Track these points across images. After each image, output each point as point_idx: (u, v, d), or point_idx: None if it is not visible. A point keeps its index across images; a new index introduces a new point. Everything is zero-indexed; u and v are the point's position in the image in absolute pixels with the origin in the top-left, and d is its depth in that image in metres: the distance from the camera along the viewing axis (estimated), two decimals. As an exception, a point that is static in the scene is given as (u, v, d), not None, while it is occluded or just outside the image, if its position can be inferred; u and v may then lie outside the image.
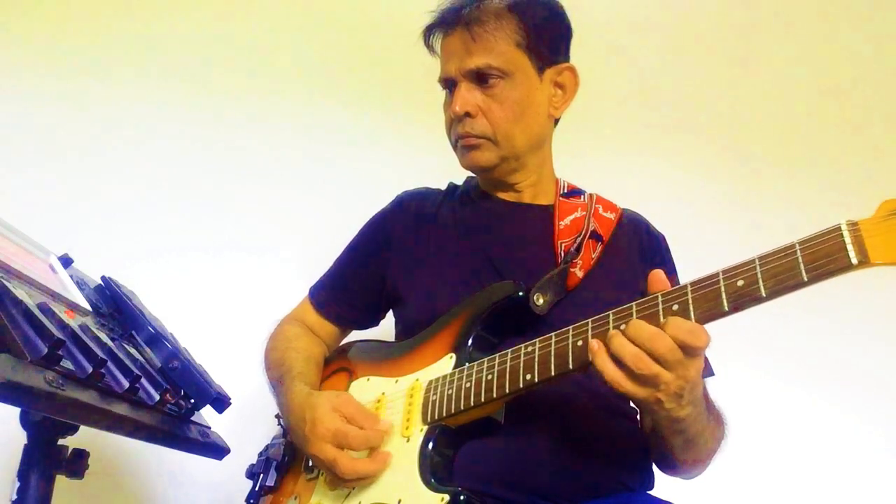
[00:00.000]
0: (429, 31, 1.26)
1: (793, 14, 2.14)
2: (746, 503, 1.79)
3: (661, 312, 0.85)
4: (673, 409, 0.88)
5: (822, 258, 0.75)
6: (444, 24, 1.23)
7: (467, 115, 1.19)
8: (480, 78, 1.19)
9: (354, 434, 1.03)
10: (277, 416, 1.24)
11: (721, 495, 1.63)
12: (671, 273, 1.24)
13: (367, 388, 1.17)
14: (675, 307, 0.84)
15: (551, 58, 1.23)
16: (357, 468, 1.02)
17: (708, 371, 1.18)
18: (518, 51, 1.19)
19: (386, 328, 1.39)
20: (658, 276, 0.90)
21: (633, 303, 0.89)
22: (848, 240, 0.73)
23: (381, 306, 1.36)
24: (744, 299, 0.80)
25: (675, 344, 0.82)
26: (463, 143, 1.22)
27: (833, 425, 1.85)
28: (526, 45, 1.19)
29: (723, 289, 0.81)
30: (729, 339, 1.45)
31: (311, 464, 1.15)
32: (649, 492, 1.13)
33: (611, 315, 0.90)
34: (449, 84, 1.24)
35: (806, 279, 0.76)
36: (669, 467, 1.11)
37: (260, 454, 1.26)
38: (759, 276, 0.79)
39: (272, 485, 1.19)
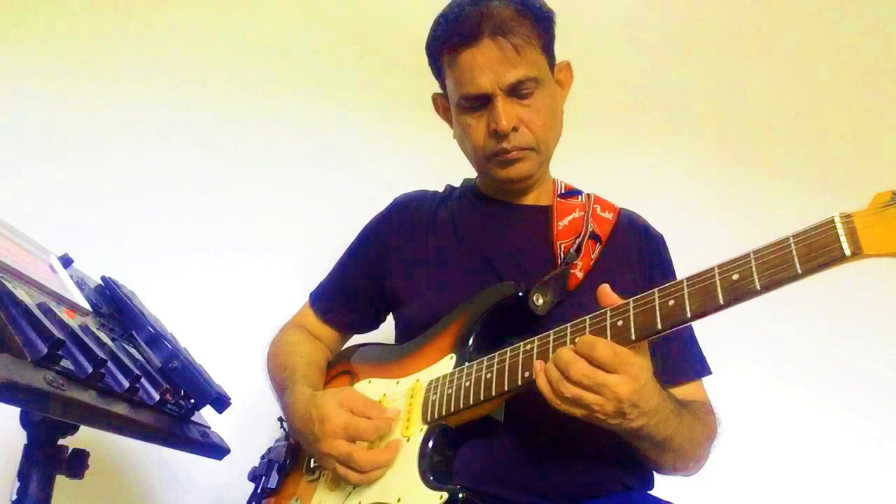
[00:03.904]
0: (440, 45, 1.19)
1: (788, 13, 2.15)
2: (746, 502, 1.79)
3: (657, 307, 0.86)
4: (621, 423, 0.90)
5: (816, 250, 0.75)
6: (462, 37, 1.14)
7: (513, 129, 1.15)
8: (518, 88, 1.14)
9: (365, 425, 1.03)
10: (280, 419, 1.24)
11: (721, 495, 1.63)
12: (670, 272, 1.24)
13: (368, 390, 1.17)
14: (672, 302, 0.85)
15: (555, 56, 1.24)
16: (373, 459, 1.02)
17: (704, 370, 1.18)
18: (542, 55, 1.18)
19: (387, 331, 1.39)
20: (605, 291, 0.93)
21: (631, 299, 0.89)
22: (841, 231, 0.74)
23: (381, 309, 1.36)
24: (739, 293, 0.80)
25: (589, 367, 0.86)
26: (506, 157, 1.18)
27: (832, 424, 1.85)
28: (543, 49, 1.18)
29: (718, 283, 0.82)
30: (730, 339, 1.46)
31: (312, 465, 1.15)
32: (649, 491, 1.13)
33: (608, 312, 0.91)
34: (479, 99, 1.16)
35: (800, 271, 0.76)
36: (655, 469, 1.11)
37: (262, 457, 1.26)
38: (754, 269, 0.79)
39: (274, 487, 1.19)
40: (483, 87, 1.14)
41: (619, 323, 0.89)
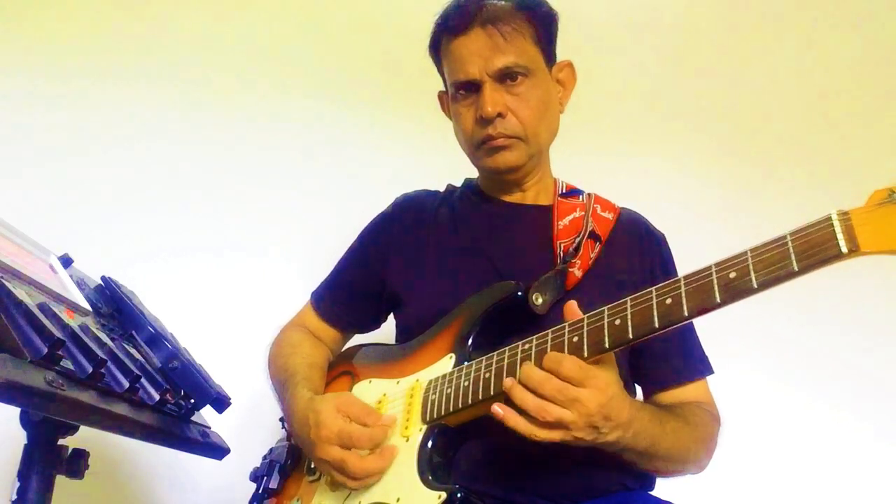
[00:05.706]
0: (438, 37, 1.24)
1: (789, 14, 2.15)
2: (746, 502, 1.79)
3: (654, 306, 0.86)
4: (597, 438, 0.90)
5: (813, 248, 0.75)
6: (455, 27, 1.19)
7: (499, 115, 1.17)
8: (507, 77, 1.17)
9: (359, 433, 1.03)
10: (282, 420, 1.25)
11: (721, 494, 1.63)
12: (672, 271, 1.24)
13: (368, 391, 1.17)
14: (668, 301, 0.85)
15: (554, 55, 1.25)
16: (366, 466, 1.02)
17: (706, 370, 1.19)
18: (535, 48, 1.20)
19: (388, 331, 1.39)
20: (571, 308, 0.94)
21: (628, 298, 0.89)
22: (838, 229, 0.74)
23: (381, 309, 1.36)
24: (736, 291, 0.80)
25: (561, 382, 0.87)
26: (493, 144, 1.19)
27: (833, 424, 1.85)
28: (538, 42, 1.20)
29: (715, 281, 0.82)
30: (731, 339, 1.46)
31: (312, 466, 1.15)
32: (649, 492, 1.13)
33: (606, 311, 0.91)
34: (468, 87, 1.19)
35: (797, 269, 0.76)
36: (651, 473, 1.11)
37: (264, 457, 1.26)
38: (751, 267, 0.79)
39: (275, 487, 1.19)
40: (471, 74, 1.17)
41: (617, 322, 0.88)
